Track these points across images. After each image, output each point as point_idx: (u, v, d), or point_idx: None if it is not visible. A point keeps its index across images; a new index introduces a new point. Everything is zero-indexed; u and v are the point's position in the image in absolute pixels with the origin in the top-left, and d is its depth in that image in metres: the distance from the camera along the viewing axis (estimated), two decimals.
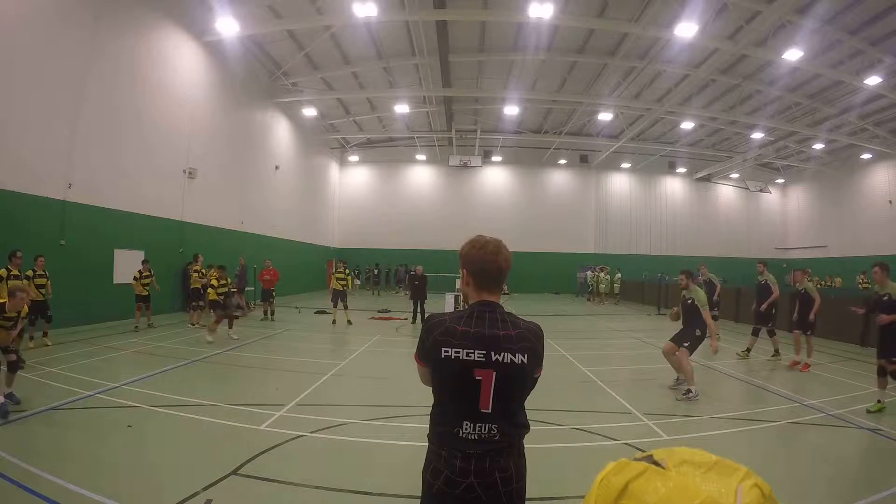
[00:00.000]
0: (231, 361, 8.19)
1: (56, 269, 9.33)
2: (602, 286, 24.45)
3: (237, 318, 11.31)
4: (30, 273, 8.50)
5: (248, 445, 4.34)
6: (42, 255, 8.83)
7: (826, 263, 28.49)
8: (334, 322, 13.21)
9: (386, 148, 31.62)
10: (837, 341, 11.19)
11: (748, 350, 9.61)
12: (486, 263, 1.77)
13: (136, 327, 11.05)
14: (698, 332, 6.80)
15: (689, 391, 6.46)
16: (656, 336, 12.69)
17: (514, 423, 1.69)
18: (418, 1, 14.60)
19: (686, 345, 6.77)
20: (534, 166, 31.61)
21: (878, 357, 6.07)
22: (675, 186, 33.14)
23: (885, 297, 6.08)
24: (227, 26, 14.92)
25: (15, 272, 7.55)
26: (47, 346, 8.43)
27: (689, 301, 6.97)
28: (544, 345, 1.78)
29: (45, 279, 8.71)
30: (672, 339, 6.98)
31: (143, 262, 11.50)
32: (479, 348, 1.64)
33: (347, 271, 14.27)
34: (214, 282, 10.69)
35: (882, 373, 6.01)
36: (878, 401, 5.95)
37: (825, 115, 21.82)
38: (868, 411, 5.84)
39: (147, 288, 11.22)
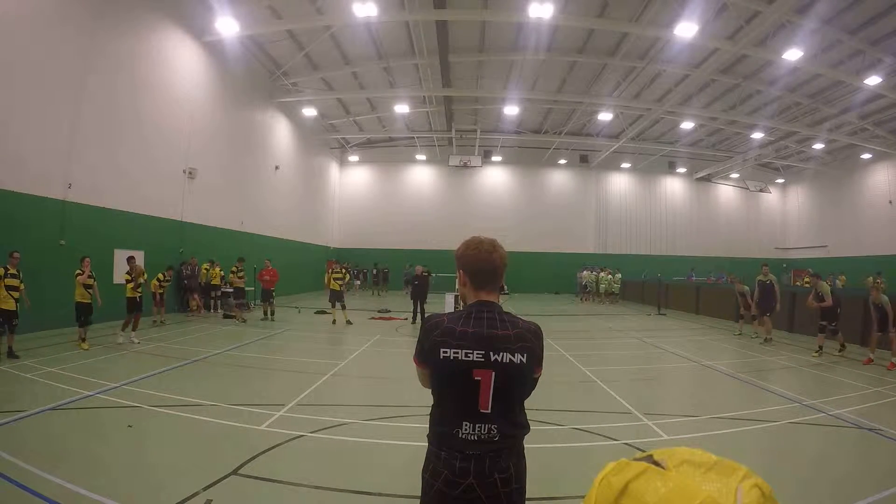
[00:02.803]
0: (231, 361, 8.18)
1: (56, 269, 9.32)
2: (602, 286, 24.47)
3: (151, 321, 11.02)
4: (79, 272, 8.62)
5: (248, 445, 4.34)
6: (88, 256, 8.89)
7: (826, 263, 28.47)
8: (334, 322, 13.21)
9: (386, 148, 31.61)
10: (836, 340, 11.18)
11: (820, 348, 9.74)
12: (481, 263, 1.77)
13: (159, 321, 11.95)
14: (774, 305, 11.07)
15: (769, 339, 11.12)
16: (656, 336, 12.70)
17: (513, 424, 1.69)
18: (418, 1, 14.59)
19: (769, 315, 11.22)
20: (534, 166, 31.60)
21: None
22: (675, 186, 33.13)
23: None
24: (227, 26, 14.92)
25: (13, 271, 7.67)
26: (84, 349, 8.45)
27: (769, 283, 11.20)
28: (544, 344, 1.78)
29: (93, 280, 8.80)
30: (760, 314, 11.37)
31: (167, 269, 12.51)
32: (478, 348, 1.64)
33: (345, 271, 14.32)
34: (127, 276, 9.76)
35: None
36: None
37: (825, 115, 21.80)
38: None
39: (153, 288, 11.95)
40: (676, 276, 25.91)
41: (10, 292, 7.58)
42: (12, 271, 7.67)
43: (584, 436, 4.96)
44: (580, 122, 25.79)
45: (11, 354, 7.41)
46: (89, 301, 8.74)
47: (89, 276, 8.70)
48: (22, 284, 7.79)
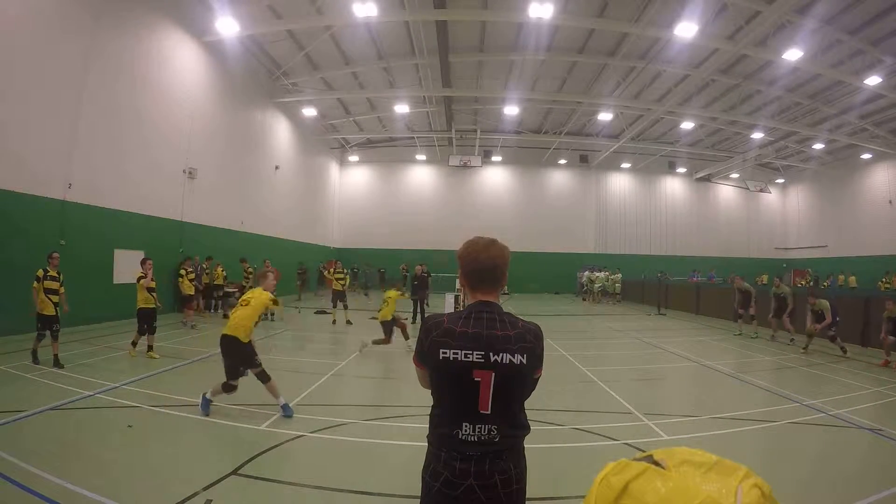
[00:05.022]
0: None
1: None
2: (597, 286, 24.43)
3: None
4: (141, 276, 8.27)
5: (248, 445, 4.34)
6: (150, 259, 8.59)
7: (826, 263, 28.50)
8: (334, 322, 13.21)
9: (386, 148, 31.61)
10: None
11: (807, 345, 10.05)
12: (479, 262, 1.77)
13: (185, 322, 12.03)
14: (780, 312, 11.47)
15: (792, 339, 11.13)
16: (656, 336, 12.70)
17: (513, 425, 1.68)
18: (418, 1, 14.60)
19: (787, 317, 11.35)
20: (534, 166, 31.59)
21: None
22: (675, 186, 33.12)
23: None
24: (227, 26, 14.91)
25: (52, 273, 7.35)
26: (154, 358, 7.97)
27: (781, 295, 11.52)
28: (544, 345, 1.77)
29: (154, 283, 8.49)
30: (774, 317, 11.62)
31: (185, 261, 13.09)
32: (478, 349, 1.64)
33: (346, 271, 14.33)
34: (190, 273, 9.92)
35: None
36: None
37: (825, 115, 21.82)
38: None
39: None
40: (678, 277, 25.92)
41: (50, 296, 7.19)
42: (52, 273, 7.29)
43: (584, 436, 4.96)
44: (580, 122, 25.79)
45: (56, 363, 7.01)
46: (153, 306, 8.17)
47: (152, 280, 8.34)
48: (62, 287, 7.39)
